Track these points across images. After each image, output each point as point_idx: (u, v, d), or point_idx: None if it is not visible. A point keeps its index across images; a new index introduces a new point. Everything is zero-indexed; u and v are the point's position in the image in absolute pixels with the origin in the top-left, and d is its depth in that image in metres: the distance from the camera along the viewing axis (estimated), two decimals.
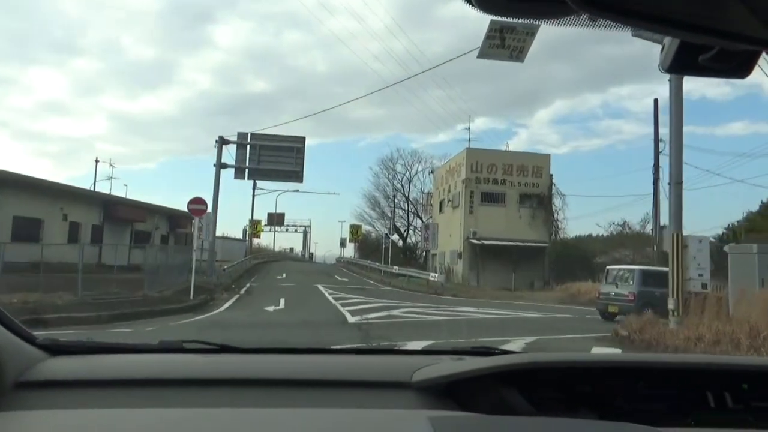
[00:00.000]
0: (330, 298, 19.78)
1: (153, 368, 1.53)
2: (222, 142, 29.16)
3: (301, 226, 78.22)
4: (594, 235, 40.18)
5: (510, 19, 0.61)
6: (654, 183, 24.34)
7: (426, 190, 47.71)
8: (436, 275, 27.26)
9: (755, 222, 27.84)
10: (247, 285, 25.18)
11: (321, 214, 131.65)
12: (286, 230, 76.00)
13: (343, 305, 16.94)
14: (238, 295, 20.17)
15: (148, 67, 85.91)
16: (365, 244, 53.56)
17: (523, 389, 1.38)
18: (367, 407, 1.33)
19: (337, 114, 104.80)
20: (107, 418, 1.18)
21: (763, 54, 0.67)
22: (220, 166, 29.18)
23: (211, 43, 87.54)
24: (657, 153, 24.37)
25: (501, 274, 32.54)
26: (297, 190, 73.84)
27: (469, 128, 42.17)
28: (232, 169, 28.25)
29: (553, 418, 1.23)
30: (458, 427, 1.05)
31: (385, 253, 36.62)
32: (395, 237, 50.69)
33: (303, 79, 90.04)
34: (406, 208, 52.41)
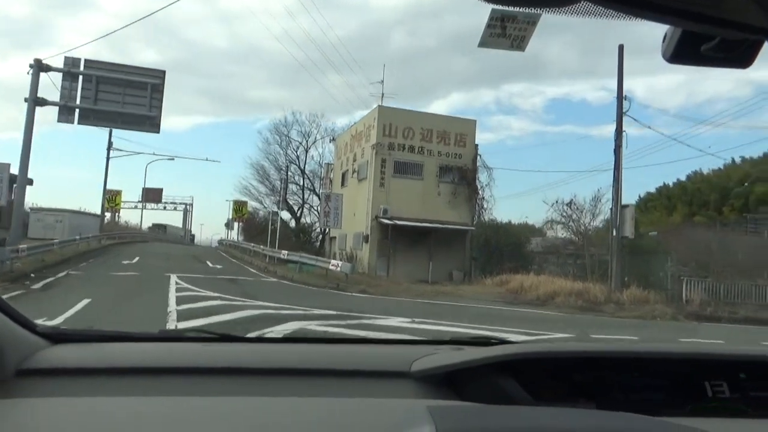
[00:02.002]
0: (173, 297, 12.47)
1: (153, 357, 1.52)
2: (40, 67, 20.35)
3: (181, 203, 68.75)
4: (527, 219, 35.29)
5: (511, 8, 0.58)
6: (615, 151, 19.25)
7: (326, 162, 40.62)
8: (339, 263, 20.52)
9: None
10: (64, 273, 17.29)
11: (210, 192, 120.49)
12: (164, 208, 66.44)
13: (186, 314, 9.97)
14: (22, 291, 12.72)
15: (19, 25, 71.68)
16: (252, 224, 45.57)
17: (522, 379, 1.39)
18: (367, 396, 1.34)
19: (234, 92, 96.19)
20: (108, 406, 1.16)
21: (766, 43, 0.66)
22: (35, 101, 20.36)
23: (94, 4, 75.17)
24: (620, 114, 19.31)
25: (415, 263, 26.58)
26: (173, 158, 63.68)
27: (382, 82, 34.29)
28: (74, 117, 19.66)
29: (551, 408, 1.19)
30: (457, 416, 1.01)
31: (272, 235, 29.31)
32: (287, 216, 43.22)
33: (198, 53, 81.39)
34: (302, 183, 44.94)
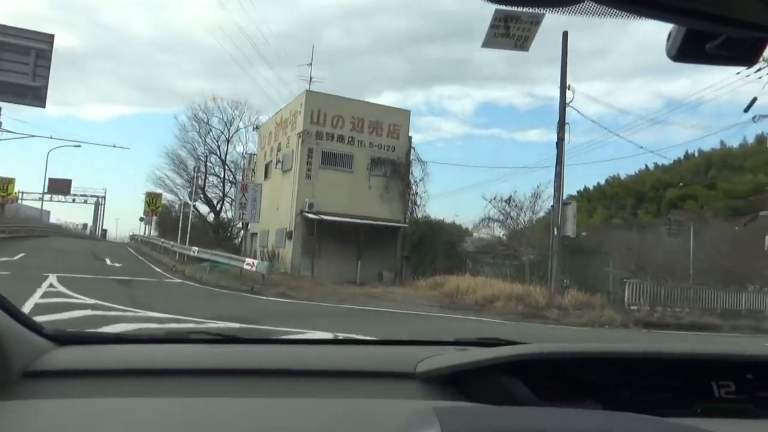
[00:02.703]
0: (31, 305, 9.76)
1: (159, 358, 1.52)
2: None
3: (93, 196, 63.35)
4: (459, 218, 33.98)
5: (514, 8, 0.59)
6: (558, 144, 18.05)
7: (249, 152, 37.71)
8: (255, 262, 18.13)
9: None
10: None
11: (128, 185, 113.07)
12: (73, 200, 60.91)
13: None
14: None
15: None
16: (168, 218, 41.89)
17: (527, 380, 1.38)
18: (372, 397, 1.33)
19: (161, 82, 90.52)
20: (114, 407, 1.16)
21: None
22: None
23: None
24: (563, 105, 18.12)
25: (343, 262, 24.55)
26: (79, 145, 58.35)
27: (310, 65, 31.78)
28: None
29: (557, 408, 1.19)
30: (463, 417, 1.00)
31: (183, 230, 26.37)
32: (206, 210, 39.95)
33: (121, 39, 75.84)
34: (222, 175, 41.70)
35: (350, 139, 26.27)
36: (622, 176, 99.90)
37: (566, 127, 17.86)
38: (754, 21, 0.56)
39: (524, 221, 20.87)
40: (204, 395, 1.30)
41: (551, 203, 18.59)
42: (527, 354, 1.43)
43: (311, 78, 28.79)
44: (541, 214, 21.57)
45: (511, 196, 21.50)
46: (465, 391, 1.39)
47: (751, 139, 77.51)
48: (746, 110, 26.60)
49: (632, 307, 16.39)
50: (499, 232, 23.07)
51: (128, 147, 72.83)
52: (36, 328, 1.49)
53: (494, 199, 22.13)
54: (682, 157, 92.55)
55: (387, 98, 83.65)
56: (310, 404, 1.21)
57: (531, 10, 0.59)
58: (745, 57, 0.66)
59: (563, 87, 18.12)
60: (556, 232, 17.69)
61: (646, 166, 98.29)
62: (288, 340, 1.90)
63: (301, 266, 24.32)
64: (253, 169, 33.77)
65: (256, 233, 30.58)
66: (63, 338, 1.56)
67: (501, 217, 21.74)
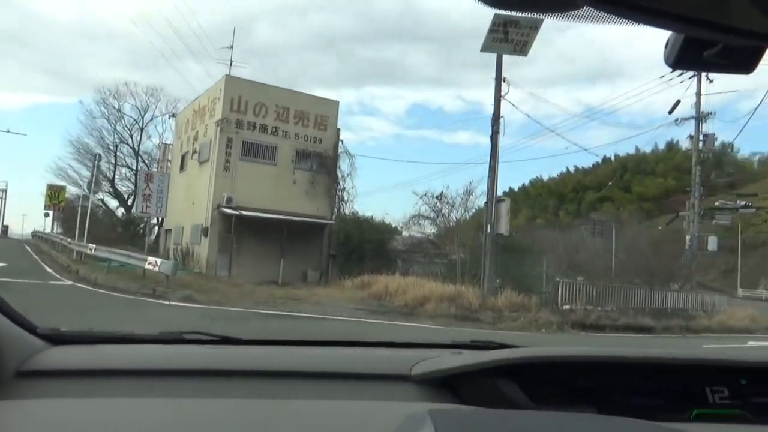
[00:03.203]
0: None
1: (154, 359, 1.51)
2: None
3: None
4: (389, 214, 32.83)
5: (513, 13, 0.60)
6: (492, 137, 17.24)
7: (165, 142, 34.88)
8: (158, 261, 16.08)
9: None
10: None
11: (38, 179, 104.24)
12: None
13: None
14: None
15: None
16: (72, 212, 38.15)
17: (522, 383, 1.37)
18: (367, 399, 1.33)
19: (81, 71, 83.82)
20: (108, 407, 1.15)
21: None
22: None
23: None
24: (498, 97, 17.34)
25: (264, 261, 22.81)
26: None
27: (231, 47, 29.20)
28: None
29: (551, 412, 1.23)
30: (457, 420, 1.01)
31: (82, 225, 23.64)
32: (115, 204, 36.67)
33: (36, 24, 69.46)
34: (135, 167, 38.44)
35: (274, 130, 24.50)
36: (545, 178, 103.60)
37: (501, 120, 17.06)
38: (751, 29, 0.56)
39: (456, 218, 19.97)
40: (197, 396, 1.29)
41: (484, 200, 17.74)
42: (522, 357, 1.42)
43: (231, 62, 26.74)
44: (474, 211, 20.75)
45: (442, 192, 20.51)
46: (460, 394, 1.38)
47: (662, 146, 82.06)
48: (670, 112, 27.42)
49: (565, 307, 15.82)
50: (430, 229, 22.11)
51: (25, 133, 66.65)
52: (30, 328, 1.48)
53: (425, 195, 21.10)
54: (600, 161, 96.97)
55: (318, 95, 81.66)
56: (304, 406, 1.22)
57: (530, 15, 0.59)
58: (743, 64, 0.66)
59: (498, 78, 17.33)
60: (489, 230, 16.84)
61: (567, 169, 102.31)
62: (282, 342, 1.83)
63: (218, 266, 22.34)
64: (169, 161, 31.17)
65: (171, 229, 28.14)
66: (57, 338, 1.54)
67: (432, 215, 20.74)
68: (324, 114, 25.59)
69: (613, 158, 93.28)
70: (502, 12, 0.59)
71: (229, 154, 23.53)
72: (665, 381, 1.43)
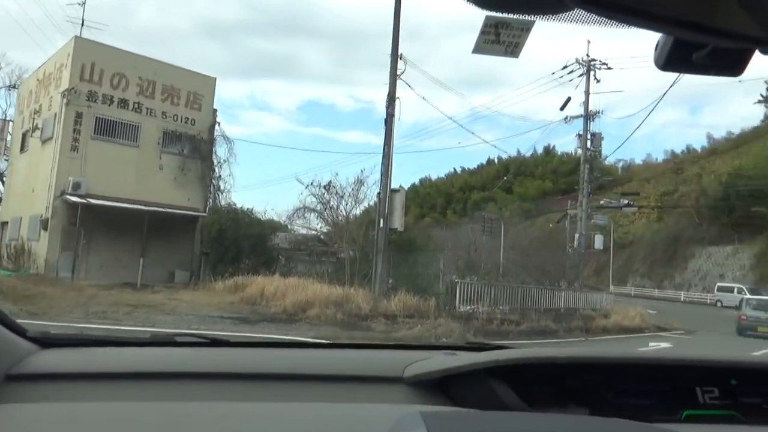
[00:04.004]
0: None
1: (144, 361, 1.50)
2: None
3: None
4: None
5: (505, 15, 0.61)
6: (386, 121, 15.46)
7: (7, 117, 29.43)
8: None
9: None
10: None
11: None
12: None
13: None
14: None
15: None
16: None
17: (515, 385, 1.38)
18: (359, 401, 1.33)
19: None
20: (98, 411, 1.15)
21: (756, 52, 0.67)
22: None
23: None
24: (394, 77, 15.60)
25: (122, 260, 19.42)
26: None
27: (84, 2, 23.85)
28: None
29: (544, 414, 1.23)
30: (450, 422, 1.02)
31: None
32: None
33: None
34: None
35: (136, 106, 21.01)
36: (433, 178, 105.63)
37: (396, 101, 15.30)
38: (740, 32, 0.56)
39: (346, 211, 17.94)
40: (190, 399, 1.29)
41: (377, 191, 15.88)
42: (515, 359, 1.43)
43: (83, 22, 22.69)
44: (367, 204, 18.79)
45: (330, 182, 18.28)
46: (452, 396, 1.39)
47: (540, 150, 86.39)
48: (562, 108, 27.54)
49: (463, 308, 14.42)
50: (317, 224, 19.86)
51: None
52: (19, 331, 1.47)
53: (311, 184, 18.75)
54: (484, 163, 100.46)
55: None
56: (296, 408, 1.22)
57: (522, 17, 0.60)
58: (732, 67, 0.67)
59: (394, 55, 15.56)
60: (382, 224, 15.01)
61: (455, 169, 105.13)
62: (274, 343, 1.88)
63: (60, 266, 18.57)
64: (5, 138, 26.17)
65: (8, 222, 23.47)
66: (46, 341, 1.52)
67: (319, 207, 18.51)
68: (198, 91, 22.47)
69: (496, 160, 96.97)
70: (493, 14, 0.59)
71: (78, 132, 19.73)
72: (656, 382, 1.43)
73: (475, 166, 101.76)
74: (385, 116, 15.63)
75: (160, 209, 20.20)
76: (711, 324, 21.23)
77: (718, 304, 38.54)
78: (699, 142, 77.14)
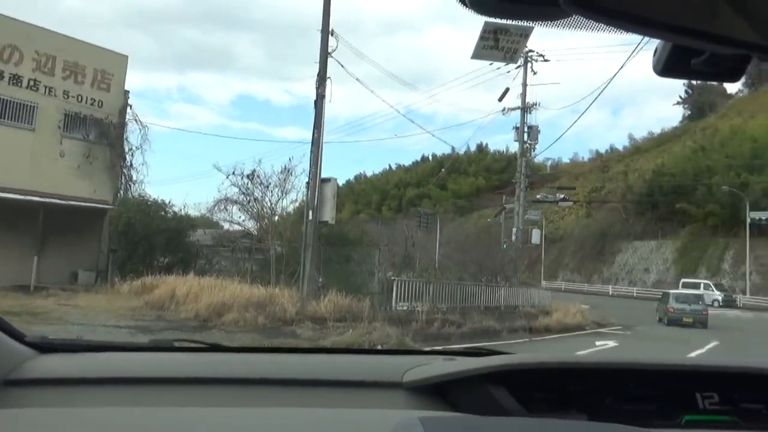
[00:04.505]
0: None
1: (143, 367, 1.49)
2: None
3: None
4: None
5: (504, 21, 0.62)
6: (316, 103, 14.04)
7: None
8: None
9: None
10: None
11: None
12: None
13: None
14: None
15: None
16: None
17: (514, 390, 1.37)
18: (358, 407, 1.32)
19: None
20: (96, 416, 1.14)
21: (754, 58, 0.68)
22: None
23: None
24: (325, 53, 14.18)
25: (15, 259, 16.92)
26: None
27: None
28: None
29: (543, 419, 1.23)
30: (449, 427, 1.03)
31: None
32: None
33: None
34: None
35: (33, 83, 18.45)
36: (368, 174, 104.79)
37: (327, 81, 13.90)
38: (738, 38, 0.57)
39: (272, 203, 16.25)
40: (188, 404, 1.28)
41: (307, 180, 14.41)
42: (514, 364, 1.43)
43: None
44: (296, 195, 17.12)
45: (254, 171, 16.48)
46: (451, 401, 1.37)
47: (473, 147, 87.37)
48: (500, 99, 27.01)
49: (400, 308, 13.24)
50: (240, 217, 17.97)
51: None
52: (17, 336, 1.46)
53: (233, 173, 16.84)
54: (419, 160, 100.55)
55: (131, 78, 71.87)
56: (295, 414, 1.21)
57: (521, 23, 0.61)
58: (730, 73, 0.67)
59: (325, 31, 14.14)
60: (311, 216, 13.58)
61: (390, 166, 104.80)
62: (273, 349, 1.82)
63: None
64: None
65: None
66: (45, 346, 1.51)
67: (242, 198, 16.73)
68: (107, 70, 20.10)
69: (431, 157, 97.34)
70: (492, 20, 0.60)
71: None
72: (656, 387, 1.42)
73: (411, 163, 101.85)
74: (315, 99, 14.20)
75: (60, 201, 17.82)
76: (641, 317, 21.51)
77: None
78: (621, 143, 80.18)
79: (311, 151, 14.03)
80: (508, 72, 25.64)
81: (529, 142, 24.71)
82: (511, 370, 1.39)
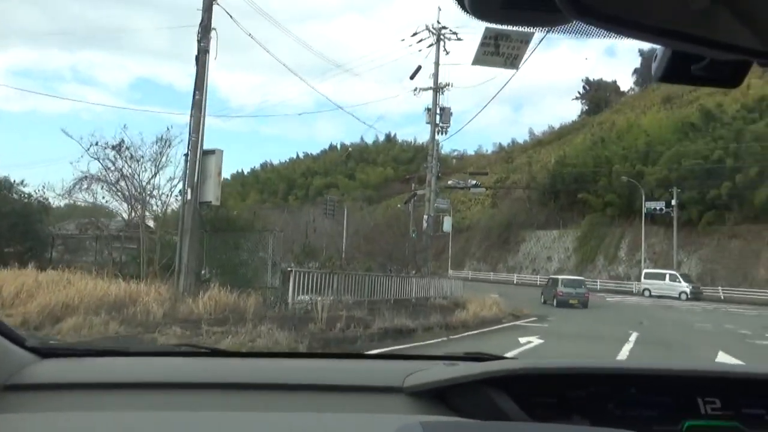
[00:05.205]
0: None
1: (143, 371, 1.50)
2: None
3: None
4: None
5: (504, 27, 0.62)
6: (198, 57, 11.61)
7: None
8: None
9: None
10: None
11: None
12: None
13: None
14: None
15: None
16: None
17: (516, 395, 1.36)
18: (359, 412, 1.32)
19: None
20: (97, 421, 1.15)
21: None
22: None
23: None
24: (210, 1, 11.75)
25: None
26: None
27: None
28: None
29: (545, 424, 1.24)
30: None
31: None
32: None
33: None
34: None
35: None
36: (275, 162, 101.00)
37: (212, 33, 11.49)
38: (738, 44, 0.57)
39: (144, 181, 13.38)
40: (189, 409, 1.28)
41: (185, 152, 11.89)
42: (516, 369, 1.42)
43: None
44: (173, 170, 14.24)
45: (122, 141, 13.36)
46: (453, 406, 1.36)
47: (382, 138, 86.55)
48: (412, 77, 25.50)
49: (298, 299, 11.21)
50: (102, 197, 14.70)
51: None
52: (18, 341, 1.46)
53: (96, 144, 13.55)
54: (327, 149, 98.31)
55: (19, 54, 63.55)
56: (296, 419, 1.21)
57: (521, 29, 0.60)
58: (730, 79, 0.67)
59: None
60: (190, 195, 11.18)
61: (297, 155, 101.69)
62: (275, 354, 1.81)
63: None
64: None
65: None
66: (46, 351, 1.52)
67: (107, 176, 13.71)
68: None
69: (339, 146, 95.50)
70: (493, 26, 0.60)
71: None
72: (658, 392, 1.42)
73: (318, 152, 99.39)
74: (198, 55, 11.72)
75: None
76: (548, 305, 21.28)
77: (646, 293, 34.34)
78: (522, 137, 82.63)
79: (191, 116, 11.57)
80: (420, 51, 24.29)
81: (441, 124, 23.39)
82: (513, 375, 1.39)
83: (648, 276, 35.39)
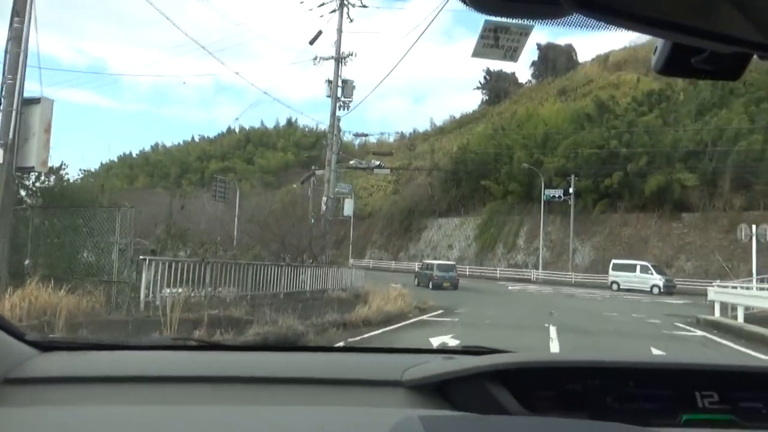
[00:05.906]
0: None
1: (142, 365, 1.50)
2: None
3: None
4: None
5: (504, 19, 0.62)
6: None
7: None
8: None
9: None
10: None
11: None
12: None
13: None
14: None
15: None
16: None
17: (514, 389, 1.37)
18: (358, 405, 1.33)
19: None
20: (96, 415, 1.15)
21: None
22: None
23: None
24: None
25: None
26: None
27: None
28: None
29: (543, 418, 1.24)
30: (449, 426, 1.03)
31: None
32: None
33: None
34: None
35: None
36: (168, 145, 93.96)
37: None
38: (739, 36, 0.57)
39: None
40: (187, 403, 1.29)
41: None
42: (514, 363, 1.42)
43: None
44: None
45: None
46: (451, 400, 1.36)
47: (283, 122, 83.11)
48: (311, 43, 23.15)
49: (153, 304, 8.71)
50: None
51: None
52: (18, 334, 1.46)
53: None
54: (225, 132, 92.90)
55: None
56: (294, 412, 1.21)
57: (521, 21, 0.60)
58: (730, 71, 0.67)
59: None
60: (1, 159, 8.30)
61: (193, 137, 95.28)
62: (271, 347, 1.81)
63: None
64: None
65: None
66: (46, 344, 1.52)
67: None
68: None
69: (237, 130, 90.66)
70: (493, 18, 0.60)
71: None
72: (656, 386, 1.43)
73: (215, 135, 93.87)
74: None
75: None
76: (449, 296, 20.26)
77: (614, 286, 31.08)
78: (423, 128, 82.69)
79: (6, 51, 8.60)
80: (321, 16, 22.03)
81: (343, 98, 21.32)
82: (512, 369, 1.38)
83: (616, 267, 31.62)
